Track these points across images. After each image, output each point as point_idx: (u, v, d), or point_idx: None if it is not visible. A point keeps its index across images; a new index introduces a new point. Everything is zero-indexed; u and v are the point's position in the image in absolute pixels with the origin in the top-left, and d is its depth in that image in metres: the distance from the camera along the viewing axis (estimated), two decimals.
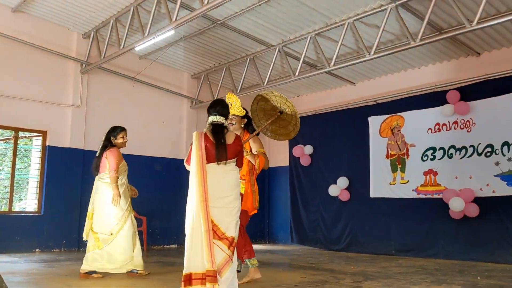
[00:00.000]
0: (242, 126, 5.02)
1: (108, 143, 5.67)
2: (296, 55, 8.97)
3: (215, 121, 4.07)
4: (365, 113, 9.50)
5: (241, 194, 4.68)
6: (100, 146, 5.71)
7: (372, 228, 9.05)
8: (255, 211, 4.87)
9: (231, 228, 3.90)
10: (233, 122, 4.91)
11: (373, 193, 9.14)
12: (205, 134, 4.02)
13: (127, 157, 9.41)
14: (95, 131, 9.29)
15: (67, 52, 9.04)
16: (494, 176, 7.51)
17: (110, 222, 5.39)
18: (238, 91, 9.78)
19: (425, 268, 6.61)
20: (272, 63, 8.97)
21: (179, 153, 10.48)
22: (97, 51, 9.09)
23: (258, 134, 5.07)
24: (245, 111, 5.00)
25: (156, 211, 9.81)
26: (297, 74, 8.58)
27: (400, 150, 8.81)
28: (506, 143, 7.43)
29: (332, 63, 8.00)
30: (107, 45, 8.73)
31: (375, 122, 9.29)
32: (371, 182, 9.18)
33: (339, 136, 9.83)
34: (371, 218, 9.10)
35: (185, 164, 4.08)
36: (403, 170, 8.71)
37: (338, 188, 9.59)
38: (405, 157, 8.71)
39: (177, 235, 10.16)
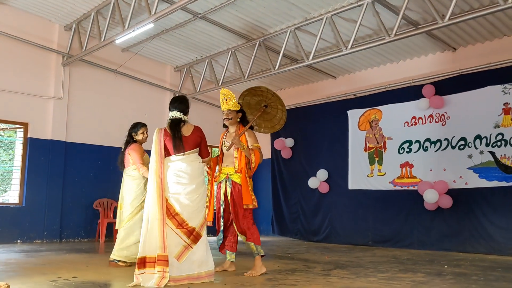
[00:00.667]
0: (238, 120, 5.12)
1: (130, 139, 6.04)
2: (276, 48, 9.07)
3: (173, 117, 4.48)
4: (344, 107, 9.65)
5: (237, 184, 4.86)
6: (124, 142, 6.10)
7: (350, 220, 9.23)
8: (255, 206, 4.91)
9: (193, 217, 4.22)
10: (229, 117, 5.05)
11: (351, 185, 9.31)
12: (165, 129, 4.43)
13: (109, 150, 9.59)
14: (77, 123, 9.36)
15: (48, 44, 9.06)
16: (467, 168, 7.71)
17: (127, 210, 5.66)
18: (220, 84, 9.88)
19: (398, 257, 6.79)
20: (253, 57, 9.06)
21: None
22: (78, 44, 9.13)
23: (252, 128, 5.21)
24: (240, 106, 5.13)
25: None
26: (276, 67, 8.69)
27: (377, 143, 8.98)
28: (478, 137, 7.62)
29: (311, 57, 8.11)
30: (88, 37, 8.77)
31: (354, 115, 9.44)
32: (350, 175, 9.35)
33: (320, 129, 9.97)
34: (349, 209, 9.28)
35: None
36: (380, 162, 8.89)
37: (318, 180, 9.75)
38: (383, 150, 8.89)
39: None
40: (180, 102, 4.54)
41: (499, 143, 7.38)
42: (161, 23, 8.45)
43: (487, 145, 7.52)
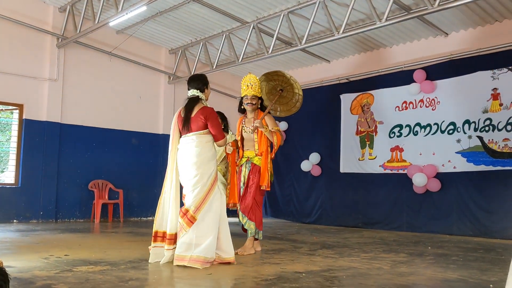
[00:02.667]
0: (258, 106, 5.33)
1: None
2: (271, 32, 9.10)
3: (189, 96, 4.45)
4: (337, 91, 9.73)
5: (256, 165, 5.06)
6: None
7: (341, 202, 9.39)
8: (268, 188, 5.16)
9: (188, 197, 4.26)
10: (253, 102, 5.23)
11: (343, 169, 9.45)
12: (180, 110, 4.43)
13: (104, 131, 9.70)
14: (72, 105, 9.44)
15: (43, 26, 9.09)
16: (456, 153, 7.84)
17: None
18: (214, 67, 9.95)
19: (384, 239, 6.95)
20: (247, 40, 9.10)
21: (156, 127, 10.69)
22: (73, 25, 9.15)
23: (269, 112, 5.39)
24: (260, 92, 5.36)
25: (133, 184, 10.06)
26: (270, 51, 8.74)
27: (369, 127, 9.09)
28: (467, 121, 7.73)
29: (304, 41, 8.16)
30: (82, 19, 8.80)
31: (346, 99, 9.53)
32: (341, 158, 9.48)
33: (313, 113, 10.05)
34: (341, 192, 9.43)
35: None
36: (371, 146, 9.01)
37: (310, 164, 9.88)
38: (374, 134, 9.00)
39: (153, 207, 10.32)
40: (195, 80, 4.51)
41: (487, 128, 7.49)
42: (156, 5, 8.46)
43: (475, 130, 7.63)
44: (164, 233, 4.28)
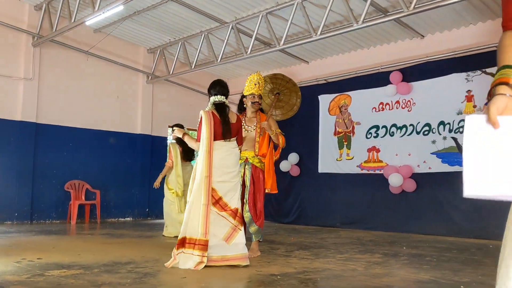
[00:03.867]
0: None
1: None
2: (249, 32, 9.10)
3: (216, 101, 4.44)
4: (316, 91, 9.79)
5: (257, 168, 5.06)
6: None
7: (319, 202, 9.45)
8: (276, 191, 5.24)
9: (233, 200, 4.34)
10: (259, 102, 5.22)
11: (321, 169, 9.52)
12: (212, 112, 4.37)
13: (81, 131, 9.58)
14: (48, 104, 9.31)
15: (18, 24, 8.94)
16: (431, 153, 7.95)
17: None
18: (193, 66, 9.91)
19: (361, 239, 7.03)
20: (226, 40, 9.08)
21: (134, 127, 10.61)
22: (49, 24, 9.02)
23: (272, 114, 5.45)
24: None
25: (110, 185, 9.97)
26: (249, 51, 8.75)
27: (346, 127, 9.17)
28: (442, 123, 7.86)
29: (282, 42, 8.18)
30: (58, 17, 8.68)
31: (325, 100, 9.60)
32: (320, 158, 9.55)
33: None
34: (319, 192, 9.49)
35: (194, 144, 4.40)
36: (348, 147, 9.09)
37: (289, 164, 9.91)
38: (351, 134, 9.08)
39: (131, 208, 10.36)
40: (222, 86, 4.53)
41: (461, 129, 7.62)
42: (133, 4, 8.38)
43: (450, 131, 7.76)
44: (199, 240, 4.09)
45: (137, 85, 10.83)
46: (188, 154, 7.28)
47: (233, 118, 4.47)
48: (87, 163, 9.74)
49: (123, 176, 10.24)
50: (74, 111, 9.64)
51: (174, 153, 7.17)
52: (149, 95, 10.90)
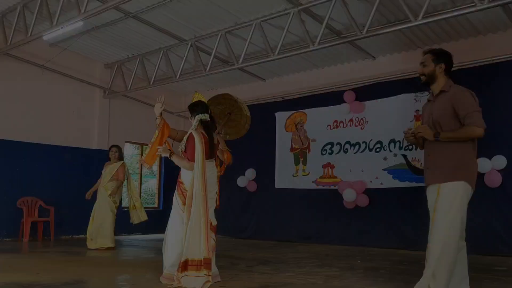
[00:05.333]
0: None
1: None
2: (208, 50, 9.24)
3: (204, 119, 4.50)
4: (273, 109, 10.05)
5: None
6: None
7: (276, 217, 9.65)
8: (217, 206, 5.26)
9: (213, 216, 4.48)
10: None
11: (278, 184, 9.74)
12: (201, 132, 4.45)
13: (35, 146, 9.36)
14: (1, 118, 9.05)
15: None
16: (382, 170, 8.34)
17: None
18: (152, 82, 9.94)
19: (318, 253, 7.25)
20: (185, 57, 9.19)
21: (90, 142, 10.47)
22: (3, 37, 8.81)
23: (219, 133, 5.50)
24: None
25: (64, 201, 9.73)
26: (208, 69, 8.89)
27: (302, 144, 9.46)
28: (392, 140, 8.27)
29: (241, 61, 8.39)
30: (13, 31, 8.49)
31: (281, 117, 9.87)
32: (276, 174, 9.78)
33: (249, 129, 10.23)
34: (276, 207, 9.70)
35: (185, 163, 4.38)
36: (304, 163, 9.37)
37: (246, 179, 10.08)
38: (307, 151, 9.38)
39: (86, 225, 10.11)
40: (203, 105, 4.59)
41: (410, 147, 8.03)
42: (92, 20, 8.33)
43: (400, 148, 8.18)
44: (204, 260, 4.10)
45: (94, 100, 10.72)
46: None
47: (215, 139, 4.68)
48: (41, 179, 9.50)
49: (78, 192, 9.96)
50: (28, 126, 9.40)
51: (126, 172, 8.21)
52: (106, 110, 10.80)
